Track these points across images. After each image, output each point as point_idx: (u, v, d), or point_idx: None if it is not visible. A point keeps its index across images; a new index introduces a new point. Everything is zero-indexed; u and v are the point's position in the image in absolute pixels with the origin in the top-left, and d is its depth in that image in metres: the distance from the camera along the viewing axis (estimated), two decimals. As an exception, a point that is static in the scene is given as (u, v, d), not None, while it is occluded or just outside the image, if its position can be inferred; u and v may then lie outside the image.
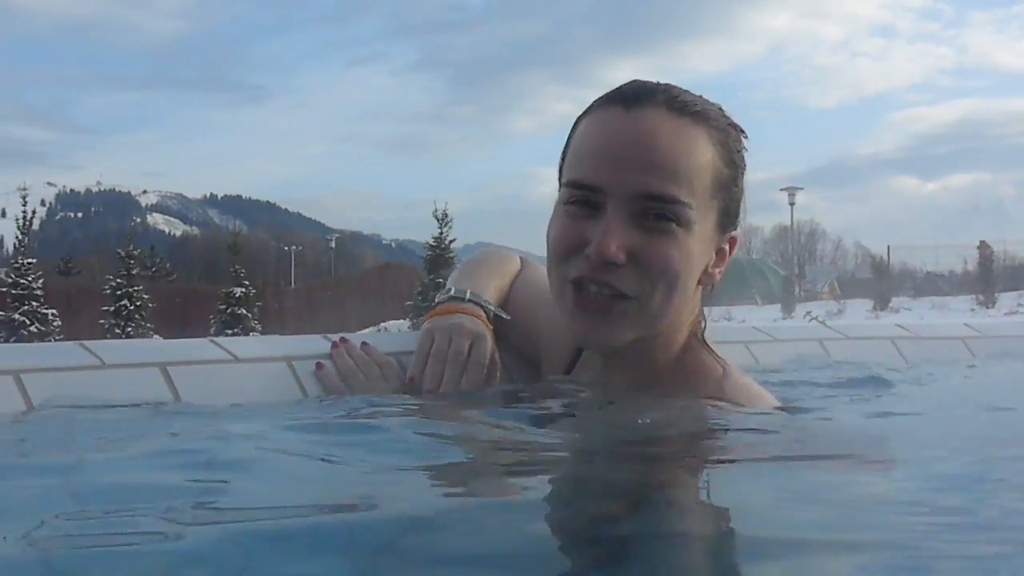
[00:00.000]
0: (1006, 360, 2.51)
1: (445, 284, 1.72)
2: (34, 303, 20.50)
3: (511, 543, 0.82)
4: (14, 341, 17.75)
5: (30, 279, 20.54)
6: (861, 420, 1.54)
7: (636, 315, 1.33)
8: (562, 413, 1.40)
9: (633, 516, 0.92)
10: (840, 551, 0.80)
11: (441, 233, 24.43)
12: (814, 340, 2.38)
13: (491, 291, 1.66)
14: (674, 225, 1.30)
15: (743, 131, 1.40)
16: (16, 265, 20.61)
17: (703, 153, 1.32)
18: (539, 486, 1.05)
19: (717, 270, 1.40)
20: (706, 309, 1.47)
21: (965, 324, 2.78)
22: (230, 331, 21.54)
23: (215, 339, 1.72)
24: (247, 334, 20.26)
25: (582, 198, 1.33)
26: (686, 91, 1.37)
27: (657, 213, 1.30)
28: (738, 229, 1.41)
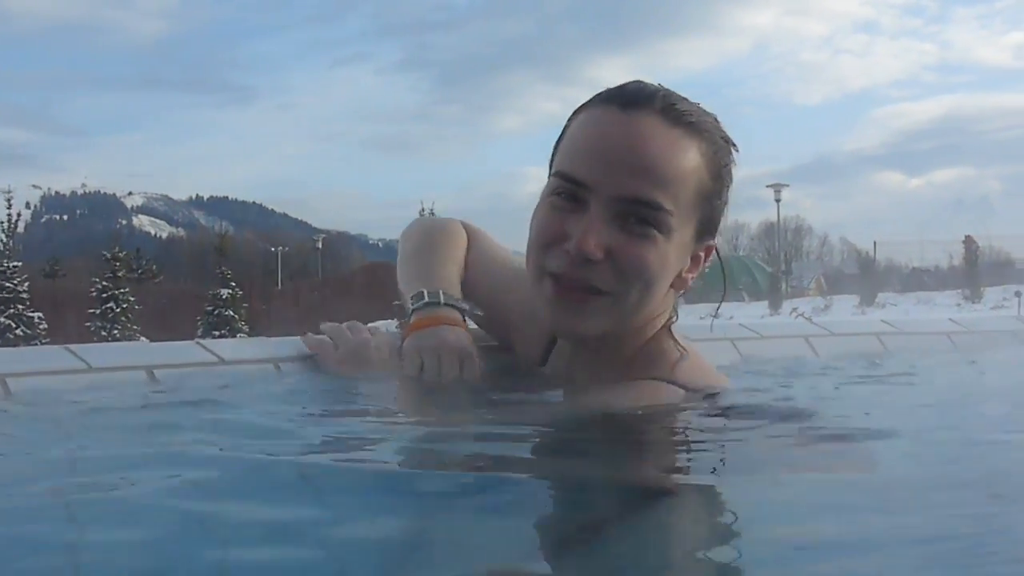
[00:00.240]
0: (987, 353, 2.52)
1: (398, 270, 1.70)
2: (20, 306, 20.36)
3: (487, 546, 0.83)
4: (0, 345, 17.65)
5: (16, 282, 20.40)
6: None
7: (609, 310, 1.36)
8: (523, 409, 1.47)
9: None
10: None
11: (428, 232, 24.33)
12: (800, 337, 2.39)
13: (456, 283, 1.66)
14: (654, 230, 1.32)
15: (735, 145, 1.42)
16: (1, 268, 20.46)
17: (691, 164, 1.34)
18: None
19: (690, 276, 1.43)
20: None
21: (950, 319, 2.80)
22: (217, 333, 21.47)
23: (201, 341, 1.73)
24: (234, 336, 20.20)
25: (568, 191, 1.35)
26: (684, 99, 1.38)
27: (639, 217, 1.32)
28: (716, 239, 1.44)
